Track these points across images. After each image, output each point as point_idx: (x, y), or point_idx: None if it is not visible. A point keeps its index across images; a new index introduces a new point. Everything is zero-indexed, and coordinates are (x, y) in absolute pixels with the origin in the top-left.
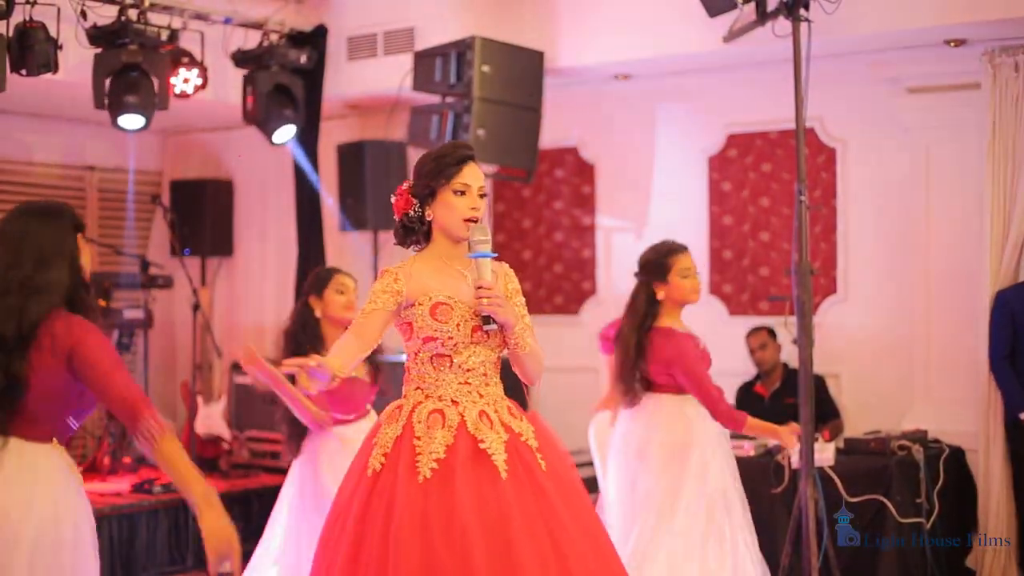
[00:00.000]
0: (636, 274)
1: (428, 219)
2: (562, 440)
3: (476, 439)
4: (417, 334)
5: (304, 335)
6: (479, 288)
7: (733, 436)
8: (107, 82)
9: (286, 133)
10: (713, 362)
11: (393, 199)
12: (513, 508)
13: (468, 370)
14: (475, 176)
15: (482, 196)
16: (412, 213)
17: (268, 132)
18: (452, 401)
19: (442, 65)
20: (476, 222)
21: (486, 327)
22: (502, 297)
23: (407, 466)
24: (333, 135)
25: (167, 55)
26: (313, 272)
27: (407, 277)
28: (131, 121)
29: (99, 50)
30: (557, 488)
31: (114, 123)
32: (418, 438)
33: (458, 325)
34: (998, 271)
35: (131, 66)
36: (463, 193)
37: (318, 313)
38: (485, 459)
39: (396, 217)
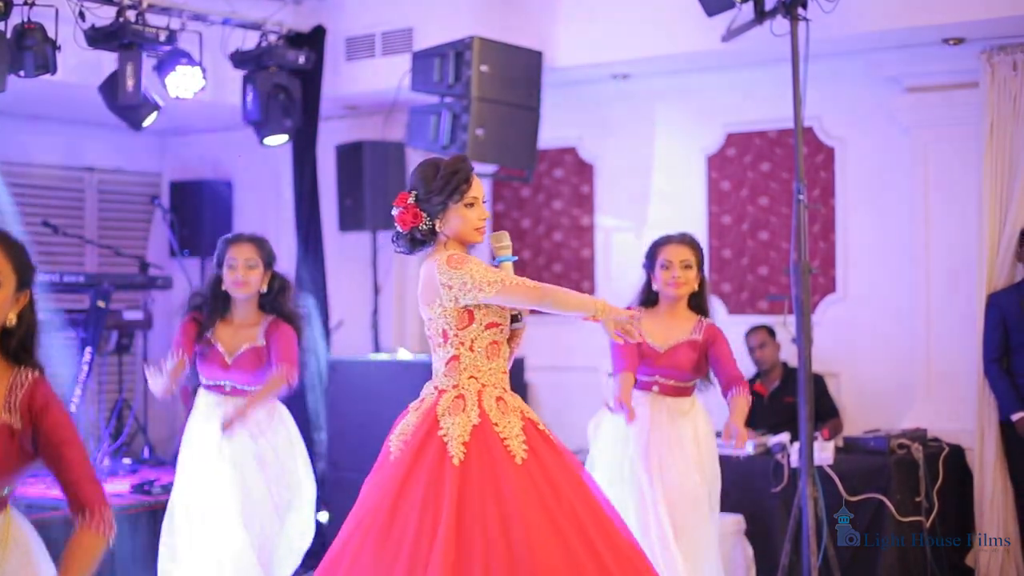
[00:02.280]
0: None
1: (438, 231)
2: (562, 439)
3: (533, 421)
4: (480, 321)
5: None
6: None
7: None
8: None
9: (279, 138)
10: None
11: (397, 212)
12: (581, 475)
13: (505, 359)
14: (480, 188)
15: (484, 202)
16: (423, 226)
17: (267, 134)
18: (503, 388)
19: (440, 65)
20: (484, 231)
21: (514, 325)
22: None
23: (499, 452)
24: (331, 135)
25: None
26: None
27: None
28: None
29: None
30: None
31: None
32: (496, 424)
33: (508, 315)
34: (994, 269)
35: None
36: (472, 206)
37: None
38: (547, 437)
39: (403, 230)
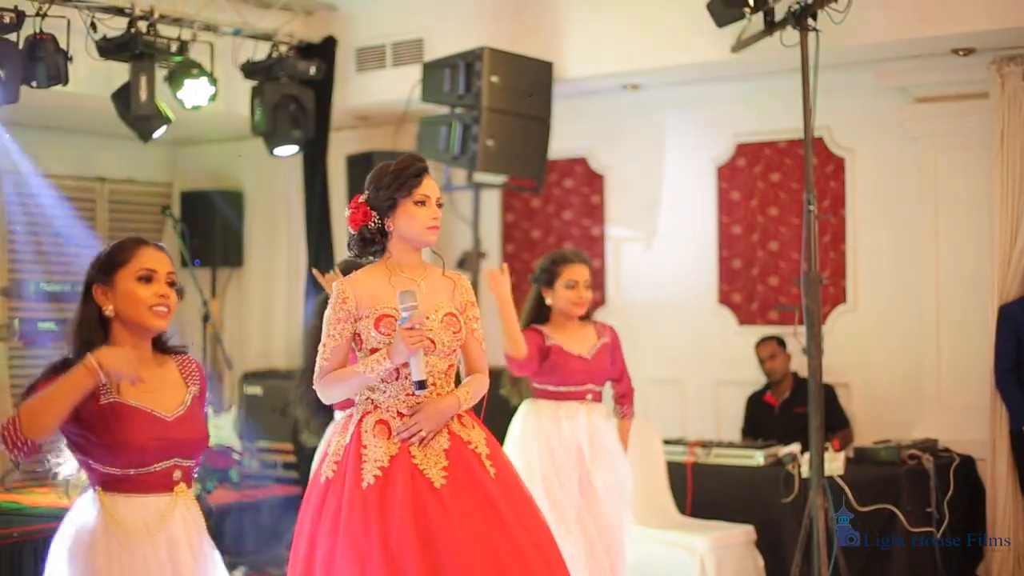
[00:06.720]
0: (531, 278)
1: (388, 230)
2: None
3: (410, 454)
4: (365, 345)
5: None
6: (419, 384)
7: (742, 446)
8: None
9: (289, 149)
10: (723, 372)
11: (348, 212)
12: (450, 516)
13: (406, 379)
14: (433, 188)
15: (439, 206)
16: (372, 225)
17: (276, 145)
18: (398, 413)
19: (451, 76)
20: (437, 231)
21: (419, 391)
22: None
23: (353, 472)
24: (342, 146)
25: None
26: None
27: (354, 288)
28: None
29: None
30: (505, 495)
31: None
32: (364, 447)
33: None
34: (1005, 279)
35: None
36: (423, 204)
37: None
38: (421, 472)
39: (353, 230)
